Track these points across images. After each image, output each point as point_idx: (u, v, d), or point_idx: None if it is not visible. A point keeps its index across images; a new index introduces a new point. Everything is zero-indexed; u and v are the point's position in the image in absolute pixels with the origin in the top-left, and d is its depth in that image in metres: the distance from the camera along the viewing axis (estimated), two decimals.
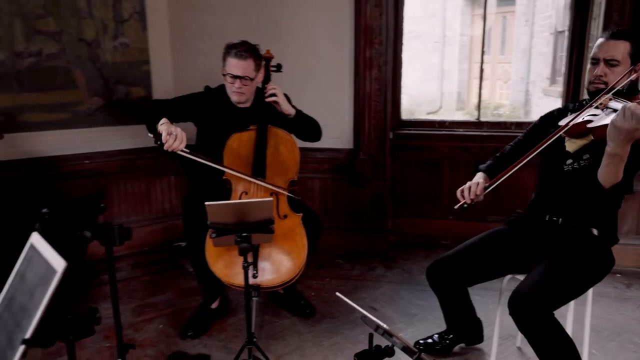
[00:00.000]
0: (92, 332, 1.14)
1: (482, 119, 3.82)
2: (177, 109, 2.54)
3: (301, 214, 2.46)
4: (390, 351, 1.43)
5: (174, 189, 3.68)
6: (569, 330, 1.89)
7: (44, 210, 1.34)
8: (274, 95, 2.49)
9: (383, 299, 2.94)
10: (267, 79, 2.63)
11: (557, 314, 1.78)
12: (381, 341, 1.34)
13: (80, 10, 3.21)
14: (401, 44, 3.63)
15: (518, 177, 2.18)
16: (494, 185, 1.93)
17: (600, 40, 1.90)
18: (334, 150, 3.51)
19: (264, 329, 2.59)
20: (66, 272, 0.99)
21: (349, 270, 3.31)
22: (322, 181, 3.57)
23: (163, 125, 2.27)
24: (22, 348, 0.95)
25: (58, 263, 0.99)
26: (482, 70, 4.28)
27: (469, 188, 2.00)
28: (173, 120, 2.44)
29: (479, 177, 2.08)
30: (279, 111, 2.56)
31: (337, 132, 3.46)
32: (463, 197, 2.00)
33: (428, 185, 3.68)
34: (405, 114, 3.93)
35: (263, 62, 2.57)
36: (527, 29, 13.67)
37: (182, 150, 2.23)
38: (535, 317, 1.73)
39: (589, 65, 1.94)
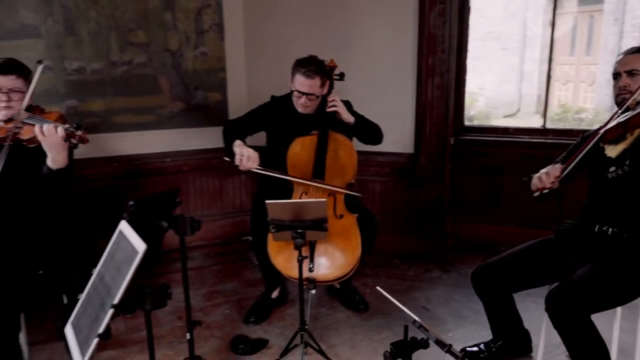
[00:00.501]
0: (165, 304, 1.37)
1: (560, 124, 3.78)
2: (249, 124, 2.79)
3: (357, 215, 2.61)
4: (424, 343, 1.56)
5: (244, 187, 3.96)
6: (614, 341, 1.91)
7: (131, 202, 1.60)
8: (333, 108, 2.65)
9: (436, 300, 3.02)
10: (330, 88, 2.80)
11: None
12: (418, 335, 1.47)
13: (167, 23, 3.56)
14: (466, 50, 3.69)
15: (570, 185, 2.20)
16: (569, 168, 1.95)
17: (619, 57, 1.99)
18: (394, 154, 3.63)
19: (320, 320, 2.78)
20: (146, 254, 1.22)
21: (405, 271, 3.42)
22: (382, 184, 3.70)
23: (237, 148, 2.50)
24: (111, 311, 1.19)
25: (140, 246, 1.23)
26: (549, 75, 4.22)
27: (547, 173, 2.01)
28: (247, 133, 2.73)
29: (550, 166, 2.08)
30: (339, 118, 2.73)
31: (398, 136, 3.58)
32: (542, 183, 2.00)
33: (489, 191, 3.70)
34: (480, 117, 3.98)
35: (328, 81, 2.74)
36: (616, 28, 12.91)
37: (256, 168, 2.47)
38: (571, 316, 1.78)
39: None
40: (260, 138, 2.96)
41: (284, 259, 2.52)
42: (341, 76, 2.90)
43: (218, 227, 3.86)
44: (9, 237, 2.12)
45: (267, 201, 2.04)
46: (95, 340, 1.18)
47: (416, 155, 3.58)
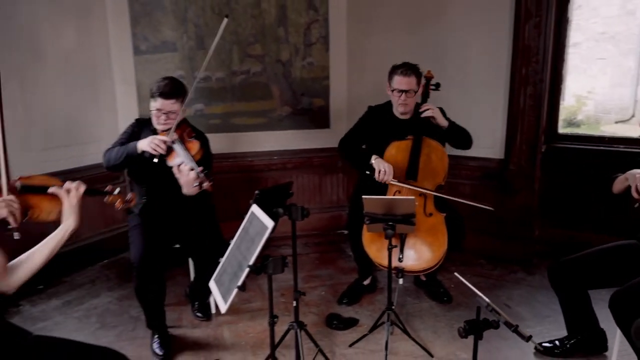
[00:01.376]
0: (282, 271, 1.76)
1: None
2: (360, 137, 3.13)
3: (445, 214, 2.87)
4: (495, 324, 1.82)
5: (341, 185, 4.34)
6: None
7: (257, 191, 2.02)
8: (428, 112, 2.92)
9: (518, 299, 3.19)
10: (425, 97, 3.08)
11: None
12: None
13: (280, 37, 4.03)
14: (562, 60, 3.76)
15: None
16: None
17: None
18: (485, 159, 3.82)
19: (405, 308, 3.07)
20: (273, 229, 1.62)
21: (490, 271, 3.60)
22: (472, 187, 3.89)
23: (375, 162, 2.84)
24: (247, 270, 1.60)
25: (269, 222, 1.63)
26: None
27: None
28: (363, 143, 3.09)
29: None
30: (433, 123, 2.99)
31: (489, 142, 3.76)
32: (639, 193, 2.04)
33: (580, 199, 3.75)
34: (589, 122, 3.98)
35: (423, 80, 3.04)
36: None
37: (391, 181, 2.81)
38: (629, 316, 1.91)
39: None
40: None
41: (376, 249, 2.85)
42: (437, 86, 3.16)
43: (316, 220, 4.26)
44: (163, 218, 2.69)
45: (363, 196, 2.38)
46: (235, 291, 1.60)
47: (506, 161, 3.73)
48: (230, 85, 4.01)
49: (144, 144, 2.52)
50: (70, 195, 1.64)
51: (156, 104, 2.61)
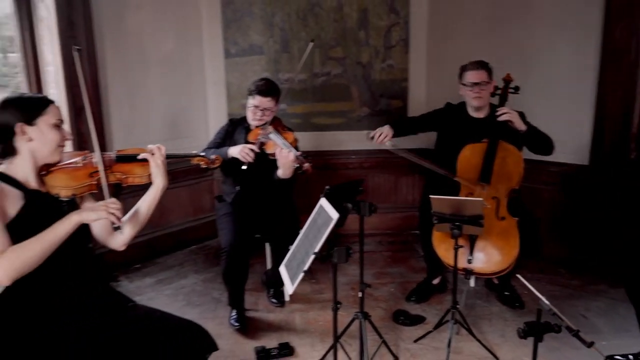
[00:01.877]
0: (346, 260, 1.89)
1: None
2: (422, 122, 3.26)
3: (517, 218, 2.84)
4: (557, 328, 1.83)
5: (417, 186, 4.38)
6: None
7: (327, 187, 2.16)
8: (505, 116, 2.90)
9: (597, 310, 3.07)
10: (503, 100, 3.07)
11: None
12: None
13: (360, 40, 4.16)
14: None
15: None
16: None
17: None
18: (568, 165, 3.69)
19: (475, 309, 3.08)
20: (337, 222, 1.75)
21: (568, 280, 3.48)
22: (551, 193, 3.78)
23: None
24: (312, 257, 1.75)
25: (334, 215, 1.76)
26: None
27: None
28: (418, 129, 3.24)
29: None
30: (511, 127, 2.97)
31: (574, 148, 3.64)
32: None
33: None
34: None
35: (502, 83, 3.06)
36: None
37: (392, 146, 3.03)
38: None
39: None
40: (427, 141, 3.37)
41: (444, 248, 2.89)
42: (516, 89, 3.14)
43: (390, 219, 4.36)
44: (251, 208, 2.95)
45: (431, 196, 2.45)
46: (302, 274, 1.76)
47: (591, 168, 3.59)
48: (312, 87, 4.20)
49: (235, 151, 2.80)
50: (155, 156, 1.80)
51: (254, 101, 2.89)
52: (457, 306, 2.58)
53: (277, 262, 3.05)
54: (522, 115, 3.06)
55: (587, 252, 3.62)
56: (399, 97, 4.28)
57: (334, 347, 2.33)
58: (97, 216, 1.62)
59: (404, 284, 3.41)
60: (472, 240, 2.80)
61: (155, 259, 3.79)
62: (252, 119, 2.95)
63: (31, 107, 1.64)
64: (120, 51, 3.51)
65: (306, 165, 2.74)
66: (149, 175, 1.82)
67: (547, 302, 1.87)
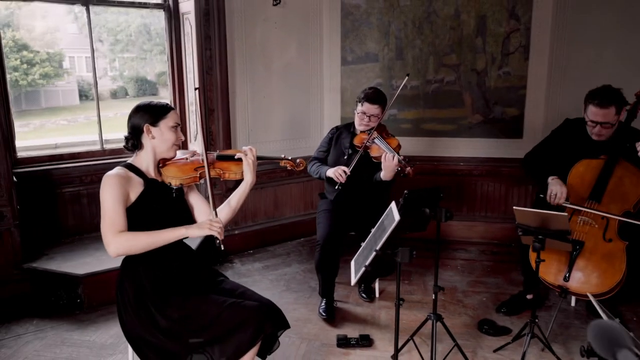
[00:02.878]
0: (409, 260, 2.01)
1: None
2: (547, 151, 3.08)
3: (627, 242, 2.67)
4: None
5: (530, 196, 4.23)
6: None
7: (405, 191, 2.30)
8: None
9: None
10: (632, 116, 2.82)
11: None
12: None
13: (477, 47, 4.14)
14: None
15: None
16: None
17: None
18: None
19: (569, 330, 2.94)
20: (399, 223, 1.90)
21: None
22: None
23: (550, 182, 2.86)
24: (374, 254, 1.92)
25: (397, 216, 1.91)
26: None
27: None
28: (548, 159, 3.04)
29: None
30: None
31: None
32: None
33: None
34: None
35: (625, 109, 2.80)
36: None
37: (564, 204, 2.78)
38: None
39: None
40: None
41: (542, 264, 2.82)
42: None
43: (497, 229, 4.27)
44: (349, 207, 3.19)
45: (514, 207, 2.44)
46: (363, 269, 1.94)
47: None
48: (423, 93, 4.28)
49: (330, 172, 3.08)
50: (248, 156, 2.12)
51: (362, 107, 3.15)
52: (537, 320, 2.53)
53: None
54: None
55: None
56: (515, 105, 4.16)
57: (405, 344, 2.46)
58: (201, 233, 1.96)
59: (498, 295, 3.36)
60: (572, 258, 2.72)
61: (267, 247, 4.21)
62: (359, 124, 3.19)
63: (156, 111, 2.04)
64: (247, 60, 3.97)
65: (408, 169, 2.91)
66: (242, 172, 2.13)
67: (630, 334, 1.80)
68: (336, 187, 3.08)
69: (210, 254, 3.74)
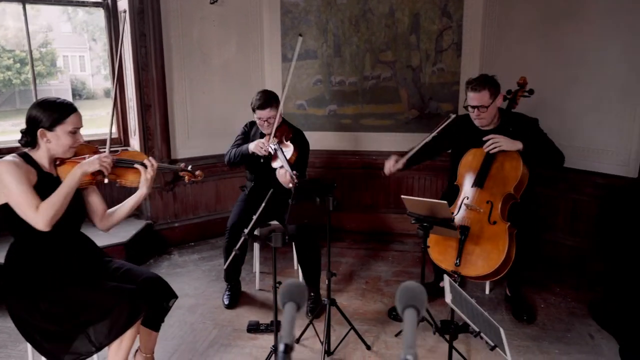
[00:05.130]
0: (283, 245, 2.13)
1: None
2: (437, 144, 3.20)
3: (509, 223, 2.77)
4: (471, 330, 1.89)
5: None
6: None
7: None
8: (493, 149, 2.86)
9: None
10: (511, 105, 3.04)
11: None
12: None
13: (411, 44, 4.25)
14: None
15: None
16: None
17: None
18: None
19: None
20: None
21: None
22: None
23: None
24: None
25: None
26: None
27: None
28: (437, 152, 3.26)
29: None
30: (519, 132, 2.92)
31: (622, 158, 3.39)
32: None
33: None
34: None
35: (500, 92, 2.98)
36: None
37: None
38: None
39: None
40: None
41: (438, 251, 2.95)
42: (530, 92, 3.06)
43: None
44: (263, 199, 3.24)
45: (402, 196, 2.55)
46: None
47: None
48: (362, 89, 4.39)
49: (252, 146, 3.15)
50: (147, 170, 2.20)
51: (256, 115, 3.23)
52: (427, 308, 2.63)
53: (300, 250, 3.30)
54: (535, 122, 3.00)
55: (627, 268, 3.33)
56: (449, 100, 4.28)
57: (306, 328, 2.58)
58: (93, 168, 2.06)
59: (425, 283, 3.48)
60: (460, 244, 2.83)
61: (208, 239, 4.32)
62: (262, 129, 3.28)
63: (55, 115, 2.02)
64: (185, 57, 4.07)
65: (290, 185, 2.92)
66: (138, 183, 2.21)
67: (451, 304, 1.92)
68: (261, 160, 3.11)
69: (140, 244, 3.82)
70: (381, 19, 4.24)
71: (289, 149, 3.14)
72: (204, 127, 4.28)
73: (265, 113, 3.17)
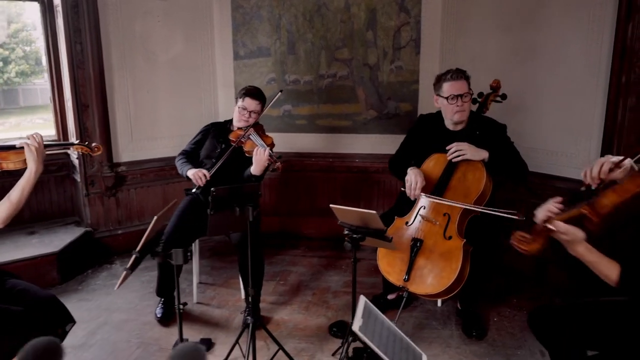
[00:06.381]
0: (185, 262, 1.91)
1: None
2: (408, 152, 3.03)
3: (464, 240, 2.57)
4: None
5: None
6: None
7: (212, 189, 2.20)
8: (457, 157, 2.68)
9: None
10: (481, 109, 2.87)
11: None
12: None
13: (368, 41, 4.03)
14: None
15: None
16: None
17: None
18: (576, 181, 3.22)
19: (424, 330, 2.86)
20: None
21: None
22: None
23: (408, 173, 2.76)
24: (133, 256, 1.81)
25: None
26: None
27: None
28: (413, 157, 2.95)
29: None
30: (486, 139, 2.73)
31: (582, 161, 3.19)
32: None
33: None
34: None
35: (489, 90, 2.87)
36: None
37: (425, 196, 2.71)
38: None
39: None
40: None
41: (387, 262, 2.76)
42: (503, 97, 2.90)
43: None
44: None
45: (331, 205, 2.34)
46: (124, 272, 1.85)
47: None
48: (317, 88, 4.18)
49: (191, 173, 2.99)
50: (30, 143, 2.02)
51: (243, 102, 3.12)
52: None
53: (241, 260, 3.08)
54: (503, 129, 2.82)
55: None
56: (409, 100, 4.07)
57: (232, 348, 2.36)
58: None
59: (368, 296, 3.22)
60: (410, 259, 2.63)
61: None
62: (239, 119, 3.14)
63: None
64: (127, 54, 3.83)
65: (278, 164, 2.88)
66: (24, 161, 2.02)
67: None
68: (192, 190, 3.00)
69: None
70: (336, 14, 4.03)
71: (267, 138, 3.12)
72: (150, 129, 4.04)
73: (254, 104, 3.11)
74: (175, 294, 2.09)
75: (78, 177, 3.83)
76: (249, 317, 2.39)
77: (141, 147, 4.01)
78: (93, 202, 3.84)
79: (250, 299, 2.43)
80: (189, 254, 1.91)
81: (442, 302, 3.15)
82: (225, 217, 2.26)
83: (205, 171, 2.98)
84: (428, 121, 3.03)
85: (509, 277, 3.48)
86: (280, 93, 3.31)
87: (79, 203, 3.97)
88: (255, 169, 2.94)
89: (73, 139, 3.81)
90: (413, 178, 2.71)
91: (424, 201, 2.76)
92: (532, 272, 3.48)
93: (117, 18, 3.75)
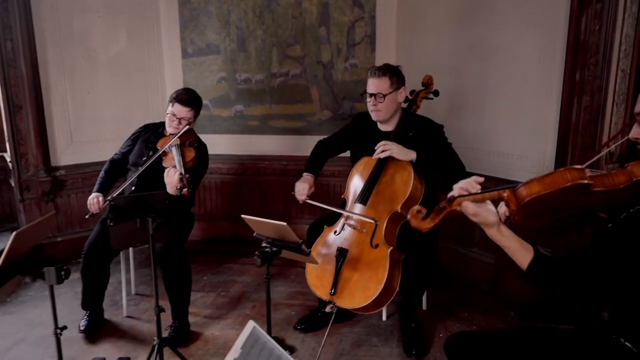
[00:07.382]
0: (59, 282, 1.71)
1: None
2: (337, 144, 2.94)
3: (392, 247, 2.38)
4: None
5: None
6: None
7: (109, 198, 2.00)
8: (382, 154, 2.53)
9: None
10: (410, 107, 2.70)
11: None
12: None
13: (321, 37, 3.83)
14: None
15: None
16: None
17: None
18: None
19: (362, 348, 2.66)
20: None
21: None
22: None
23: (301, 178, 2.74)
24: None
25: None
26: None
27: None
28: (336, 152, 2.92)
29: None
30: (418, 138, 2.56)
31: (538, 164, 3.00)
32: None
33: None
34: None
35: (403, 86, 2.64)
36: None
37: (308, 201, 2.66)
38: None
39: None
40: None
41: (315, 276, 2.56)
42: (435, 94, 2.71)
43: None
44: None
45: (243, 216, 2.14)
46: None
47: None
48: (270, 88, 3.98)
49: (90, 197, 2.86)
50: None
51: (172, 108, 2.86)
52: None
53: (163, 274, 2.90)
54: (440, 129, 2.64)
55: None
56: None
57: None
58: None
59: (311, 308, 3.06)
60: (336, 271, 2.44)
61: None
62: (169, 125, 2.92)
63: None
64: (64, 52, 3.63)
65: (185, 190, 2.58)
66: None
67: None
68: (86, 216, 2.83)
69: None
70: (287, 9, 3.82)
71: (189, 153, 2.81)
72: (92, 131, 3.84)
73: (184, 111, 2.83)
74: (52, 317, 1.89)
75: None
76: (155, 339, 2.19)
77: (82, 150, 3.81)
78: (29, 207, 3.64)
79: (157, 319, 2.22)
80: (62, 272, 1.71)
81: (388, 316, 2.95)
82: (127, 229, 2.06)
83: (102, 197, 2.82)
84: (363, 120, 2.87)
85: (460, 288, 3.28)
86: (188, 126, 2.87)
87: (15, 209, 3.77)
88: (168, 188, 2.65)
89: (6, 141, 3.61)
90: (299, 185, 2.73)
91: (351, 207, 2.58)
92: (486, 282, 3.28)
93: (52, 14, 3.55)
